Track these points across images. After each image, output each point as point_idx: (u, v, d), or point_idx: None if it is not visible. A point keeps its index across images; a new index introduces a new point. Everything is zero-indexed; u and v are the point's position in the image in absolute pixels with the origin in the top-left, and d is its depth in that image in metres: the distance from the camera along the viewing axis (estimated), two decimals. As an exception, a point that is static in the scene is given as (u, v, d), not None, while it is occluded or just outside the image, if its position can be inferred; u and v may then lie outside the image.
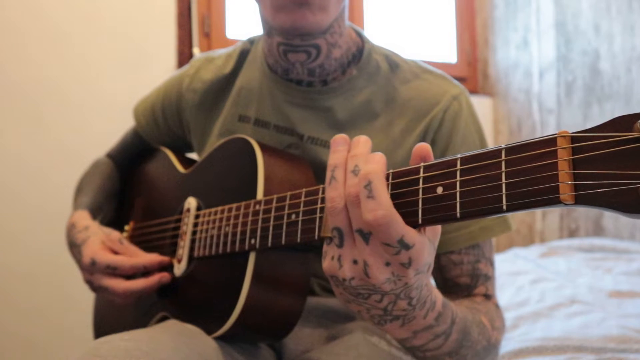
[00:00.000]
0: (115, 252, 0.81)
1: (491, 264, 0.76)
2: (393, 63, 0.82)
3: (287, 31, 0.73)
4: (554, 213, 2.29)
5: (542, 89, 2.35)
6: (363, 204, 0.42)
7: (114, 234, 0.83)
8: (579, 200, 0.35)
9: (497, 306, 0.75)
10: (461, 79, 2.59)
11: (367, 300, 0.47)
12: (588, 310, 1.26)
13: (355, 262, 0.44)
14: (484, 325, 0.65)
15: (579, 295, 1.37)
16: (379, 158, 0.44)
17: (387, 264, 0.44)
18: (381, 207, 0.41)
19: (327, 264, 0.47)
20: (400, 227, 0.42)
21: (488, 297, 0.75)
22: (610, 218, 2.04)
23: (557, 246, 1.95)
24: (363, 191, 0.42)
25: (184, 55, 2.00)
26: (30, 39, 1.82)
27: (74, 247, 0.85)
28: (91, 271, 0.79)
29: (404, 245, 0.42)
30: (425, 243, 0.44)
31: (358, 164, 0.44)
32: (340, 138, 0.47)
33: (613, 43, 2.01)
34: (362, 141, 0.46)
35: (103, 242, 0.81)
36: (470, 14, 2.68)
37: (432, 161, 0.44)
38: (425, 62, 0.85)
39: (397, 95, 0.79)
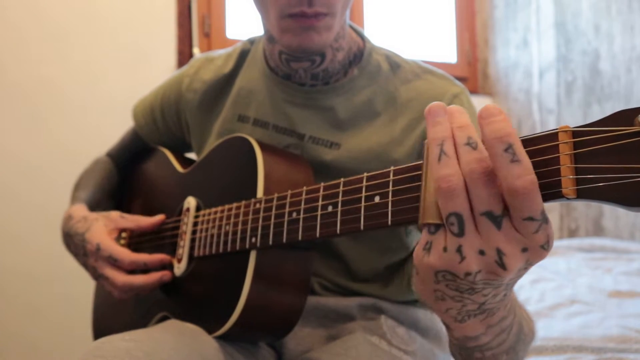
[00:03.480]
0: (122, 229, 0.84)
1: None
2: (394, 63, 0.82)
3: (294, 51, 0.74)
4: (554, 213, 2.29)
5: (542, 89, 2.35)
6: (506, 170, 0.36)
7: (113, 213, 0.84)
8: (581, 194, 0.35)
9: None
10: (461, 79, 2.59)
11: (471, 296, 0.42)
12: (588, 310, 1.26)
13: (482, 252, 0.38)
14: (528, 317, 0.61)
15: (579, 295, 1.37)
16: (502, 114, 0.37)
17: (524, 250, 0.38)
18: (529, 171, 0.36)
19: (437, 257, 0.40)
20: (540, 196, 0.37)
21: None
22: (610, 218, 2.04)
23: (557, 246, 1.94)
24: (504, 155, 0.36)
25: (184, 55, 2.00)
26: (30, 39, 1.82)
27: (75, 236, 0.85)
28: (96, 257, 0.79)
29: (545, 219, 0.37)
30: None
31: (472, 135, 0.39)
32: (438, 107, 0.41)
33: (613, 43, 2.01)
34: (458, 110, 0.41)
35: (106, 225, 0.82)
36: (470, 14, 2.68)
37: None
38: (425, 62, 0.85)
39: (398, 95, 0.80)
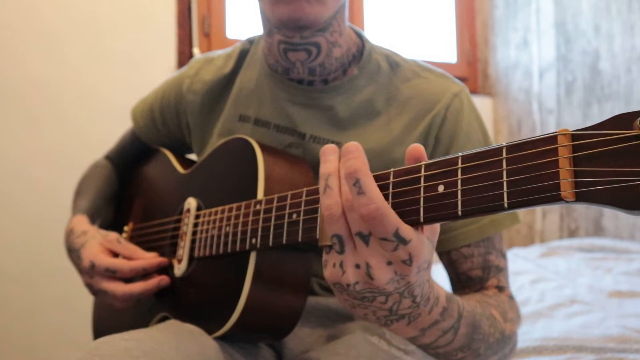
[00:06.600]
0: (115, 253, 0.82)
1: (502, 255, 0.76)
2: (393, 62, 0.82)
3: (286, 23, 0.73)
4: (554, 213, 2.29)
5: (542, 89, 2.35)
6: (355, 201, 0.43)
7: (112, 235, 0.84)
8: (580, 198, 0.35)
9: (510, 297, 0.74)
10: (461, 79, 2.58)
11: (372, 303, 0.48)
12: (588, 310, 1.26)
13: (357, 266, 0.45)
14: (494, 318, 0.65)
15: (579, 295, 1.37)
16: (356, 151, 0.44)
17: (389, 263, 0.44)
18: (372, 200, 0.42)
19: (329, 272, 0.47)
20: (395, 220, 0.43)
21: (501, 288, 0.74)
22: (610, 218, 2.04)
23: (557, 246, 1.95)
24: (353, 189, 0.43)
25: (184, 55, 2.00)
26: (28, 40, 1.81)
27: (73, 252, 0.85)
28: (91, 274, 0.80)
29: (401, 240, 0.43)
30: (423, 240, 0.45)
31: None
32: (329, 148, 0.48)
33: (613, 43, 2.01)
34: (353, 146, 0.46)
35: (101, 244, 0.82)
36: (470, 14, 2.68)
37: (433, 160, 0.44)
38: (425, 61, 0.85)
39: (398, 93, 0.80)
